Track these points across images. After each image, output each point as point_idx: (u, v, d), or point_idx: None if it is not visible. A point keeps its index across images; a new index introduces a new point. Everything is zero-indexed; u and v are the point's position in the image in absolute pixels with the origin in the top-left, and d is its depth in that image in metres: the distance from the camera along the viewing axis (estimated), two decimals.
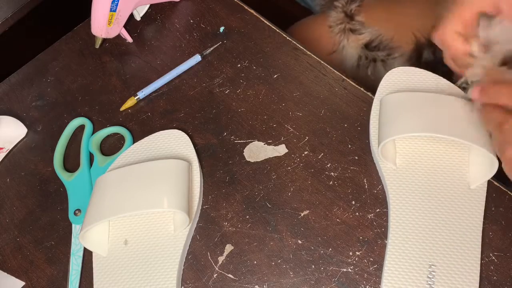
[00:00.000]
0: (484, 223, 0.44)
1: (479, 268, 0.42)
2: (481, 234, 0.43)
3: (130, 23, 0.64)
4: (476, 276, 0.41)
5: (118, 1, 0.57)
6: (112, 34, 0.60)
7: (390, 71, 0.52)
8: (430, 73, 0.51)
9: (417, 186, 0.46)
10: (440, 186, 0.46)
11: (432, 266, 0.42)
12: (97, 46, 0.61)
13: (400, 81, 0.51)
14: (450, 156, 0.47)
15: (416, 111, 0.46)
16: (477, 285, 0.41)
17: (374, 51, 0.66)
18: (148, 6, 0.64)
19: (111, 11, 0.57)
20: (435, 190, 0.45)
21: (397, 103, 0.47)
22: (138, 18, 0.63)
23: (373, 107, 0.50)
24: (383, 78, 0.52)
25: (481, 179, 0.45)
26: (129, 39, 0.62)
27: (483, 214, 0.44)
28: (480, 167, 0.45)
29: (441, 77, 0.51)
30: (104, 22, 0.58)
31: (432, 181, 0.46)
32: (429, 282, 0.41)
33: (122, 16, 0.59)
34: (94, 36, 0.60)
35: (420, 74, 0.51)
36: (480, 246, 0.43)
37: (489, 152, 0.42)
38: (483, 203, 0.44)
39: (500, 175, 0.45)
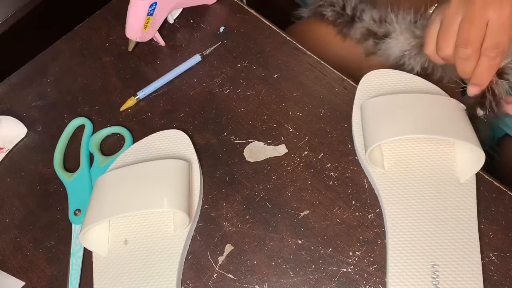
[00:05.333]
0: (484, 223, 0.44)
1: (480, 262, 0.42)
2: (477, 227, 0.43)
3: None
4: (479, 270, 0.41)
5: (155, 5, 0.56)
6: (146, 38, 0.59)
7: (365, 75, 0.52)
8: (405, 73, 0.52)
9: (408, 187, 0.46)
10: (430, 184, 0.46)
11: (435, 266, 0.42)
12: (130, 49, 0.61)
13: (377, 84, 0.52)
14: (437, 154, 0.47)
15: (398, 114, 0.46)
16: (481, 278, 0.41)
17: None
18: (181, 9, 0.63)
19: (148, 15, 0.56)
20: (426, 188, 0.46)
21: (378, 108, 0.48)
22: (171, 21, 0.63)
23: (353, 113, 0.51)
24: (360, 83, 0.52)
25: (469, 173, 0.45)
26: (162, 42, 0.61)
27: (476, 207, 0.44)
28: (467, 161, 0.46)
29: (417, 77, 0.51)
30: (140, 26, 0.57)
31: (423, 180, 0.46)
32: (433, 282, 0.41)
33: (157, 20, 0.58)
34: (128, 38, 0.59)
35: (396, 75, 0.52)
36: (478, 239, 0.43)
37: (474, 146, 0.43)
38: (475, 196, 0.45)
39: (499, 173, 0.45)
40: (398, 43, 0.58)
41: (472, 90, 0.48)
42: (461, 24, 0.45)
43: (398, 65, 0.59)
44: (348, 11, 0.65)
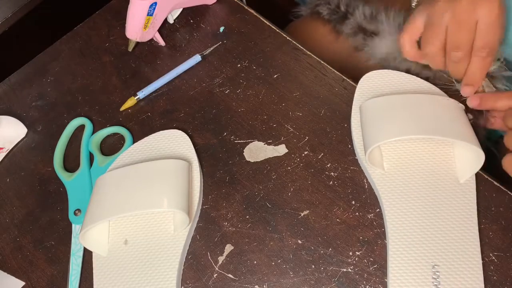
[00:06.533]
0: (484, 223, 0.44)
1: (481, 262, 0.42)
2: (477, 227, 0.43)
3: None
4: (480, 270, 0.41)
5: (155, 5, 0.56)
6: (146, 38, 0.59)
7: (364, 76, 0.52)
8: (404, 74, 0.52)
9: (408, 188, 0.46)
10: (430, 184, 0.46)
11: (435, 266, 0.42)
12: (130, 49, 0.61)
13: (376, 84, 0.52)
14: (436, 154, 0.47)
15: (397, 114, 0.46)
16: (482, 278, 0.41)
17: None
18: (181, 9, 0.63)
19: (148, 15, 0.56)
20: (426, 189, 0.46)
21: (377, 108, 0.48)
22: (171, 21, 0.63)
23: (352, 114, 0.51)
24: (358, 84, 0.52)
25: (469, 173, 0.45)
26: (162, 42, 0.61)
27: (476, 207, 0.44)
28: (466, 161, 0.46)
29: (416, 77, 0.51)
30: (140, 26, 0.57)
31: (422, 180, 0.46)
32: (434, 283, 0.41)
33: (157, 20, 0.58)
34: (128, 38, 0.59)
35: (395, 75, 0.52)
36: (478, 239, 0.43)
37: (474, 146, 0.43)
38: (475, 196, 0.45)
39: (499, 173, 0.45)
40: (386, 42, 0.57)
41: (466, 90, 0.48)
42: (449, 25, 0.45)
43: (383, 67, 0.58)
44: (342, 8, 0.65)
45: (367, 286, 0.43)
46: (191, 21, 0.63)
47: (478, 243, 0.43)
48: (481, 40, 0.44)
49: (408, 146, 0.48)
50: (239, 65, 0.58)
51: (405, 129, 0.45)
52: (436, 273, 0.42)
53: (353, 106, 0.51)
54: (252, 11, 0.62)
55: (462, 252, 0.42)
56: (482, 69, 0.46)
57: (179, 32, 0.63)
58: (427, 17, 0.47)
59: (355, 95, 0.52)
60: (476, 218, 0.44)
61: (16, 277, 0.49)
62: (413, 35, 0.49)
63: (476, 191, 0.45)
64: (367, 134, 0.46)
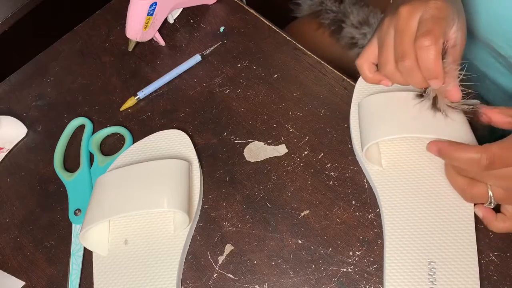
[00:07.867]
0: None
1: (477, 259, 0.42)
2: (474, 224, 0.43)
3: None
4: (476, 267, 0.41)
5: (155, 5, 0.56)
6: (146, 38, 0.59)
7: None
8: None
9: (405, 185, 0.46)
10: (428, 181, 0.46)
11: (432, 263, 0.42)
12: (130, 49, 0.61)
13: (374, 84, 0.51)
14: None
15: (396, 112, 0.46)
16: (478, 275, 0.41)
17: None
18: (181, 9, 0.63)
19: (148, 15, 0.56)
20: (423, 186, 0.46)
21: (376, 105, 0.48)
22: (171, 21, 0.63)
23: (351, 111, 0.51)
24: (358, 81, 0.52)
25: None
26: (162, 42, 0.61)
27: (473, 204, 0.44)
28: None
29: None
30: (140, 26, 0.57)
31: (420, 177, 0.46)
32: (430, 279, 0.41)
33: (157, 20, 0.58)
34: (128, 38, 0.59)
35: None
36: (474, 236, 0.43)
37: (471, 143, 0.42)
38: None
39: None
40: None
41: (434, 84, 0.44)
42: (394, 40, 0.44)
43: None
44: (339, 15, 0.66)
45: (367, 286, 0.43)
46: (191, 21, 0.63)
47: (475, 240, 0.42)
48: (420, 31, 0.42)
49: (406, 143, 0.48)
50: (239, 65, 0.58)
51: (402, 127, 0.45)
52: (432, 269, 0.42)
53: (352, 104, 0.51)
54: (252, 11, 0.62)
55: (458, 249, 0.42)
56: (433, 61, 0.42)
57: (179, 32, 0.63)
58: (378, 39, 0.47)
59: (354, 94, 0.52)
60: (473, 215, 0.44)
61: (16, 277, 0.49)
62: (369, 57, 0.48)
63: None
64: (364, 131, 0.46)
